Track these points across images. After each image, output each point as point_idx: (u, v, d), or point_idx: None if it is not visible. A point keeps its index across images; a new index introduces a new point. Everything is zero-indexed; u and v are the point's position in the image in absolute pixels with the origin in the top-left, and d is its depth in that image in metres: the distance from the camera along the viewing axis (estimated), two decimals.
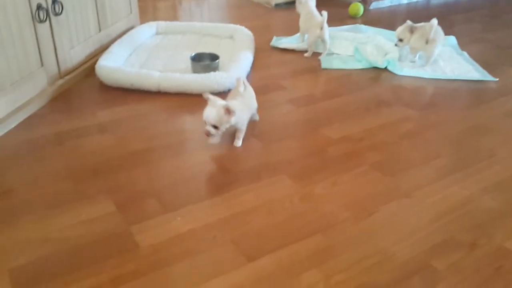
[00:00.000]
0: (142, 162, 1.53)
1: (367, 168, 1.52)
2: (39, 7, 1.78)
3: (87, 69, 2.15)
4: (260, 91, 2.05)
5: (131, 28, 2.57)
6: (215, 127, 1.51)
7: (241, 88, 1.64)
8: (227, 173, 1.48)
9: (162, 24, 2.68)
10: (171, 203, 1.34)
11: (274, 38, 2.65)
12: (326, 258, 1.16)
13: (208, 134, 1.52)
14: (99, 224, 1.25)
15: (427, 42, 2.26)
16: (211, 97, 1.52)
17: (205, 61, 2.18)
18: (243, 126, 1.61)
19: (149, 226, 1.25)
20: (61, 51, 1.97)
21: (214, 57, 2.18)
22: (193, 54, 2.18)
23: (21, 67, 1.74)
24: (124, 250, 1.16)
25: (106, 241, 1.19)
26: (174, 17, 3.20)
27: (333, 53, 2.49)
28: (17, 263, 1.11)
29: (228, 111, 1.49)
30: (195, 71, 2.11)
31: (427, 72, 2.28)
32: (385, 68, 2.31)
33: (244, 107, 1.61)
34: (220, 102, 1.51)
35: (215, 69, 2.11)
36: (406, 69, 2.28)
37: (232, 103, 1.54)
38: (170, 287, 1.07)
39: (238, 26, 2.63)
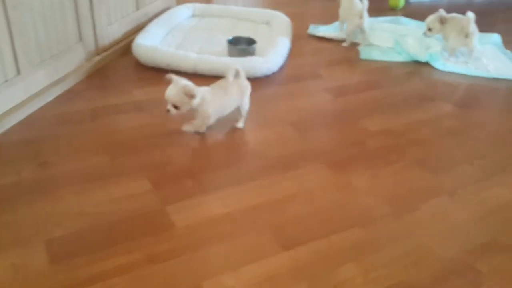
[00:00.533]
0: (178, 142, 1.51)
1: (409, 163, 1.47)
2: None
3: (123, 47, 2.14)
4: (296, 79, 2.01)
5: (168, 8, 2.54)
6: (176, 106, 1.45)
7: (230, 77, 1.54)
8: (263, 159, 1.45)
9: (199, 6, 2.64)
10: (207, 185, 1.32)
11: (312, 26, 2.59)
12: (365, 252, 1.13)
13: (168, 112, 1.47)
14: (135, 201, 1.24)
15: (466, 36, 2.18)
16: (175, 77, 1.47)
17: (242, 45, 2.14)
18: (208, 119, 1.51)
19: (185, 206, 1.23)
20: (99, 27, 1.96)
21: (251, 42, 2.15)
22: (230, 37, 2.14)
23: (60, 40, 1.74)
24: (160, 229, 1.15)
25: (141, 219, 1.18)
26: (209, 0, 3.17)
27: (372, 44, 2.42)
28: (54, 235, 1.11)
29: (189, 92, 1.43)
30: (231, 54, 2.08)
31: (469, 69, 2.19)
32: (426, 62, 2.23)
33: (216, 98, 1.50)
34: (183, 82, 1.45)
35: (251, 53, 2.07)
36: (448, 65, 2.20)
37: (201, 88, 1.48)
38: (205, 269, 1.05)
39: (275, 12, 2.58)
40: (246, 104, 1.60)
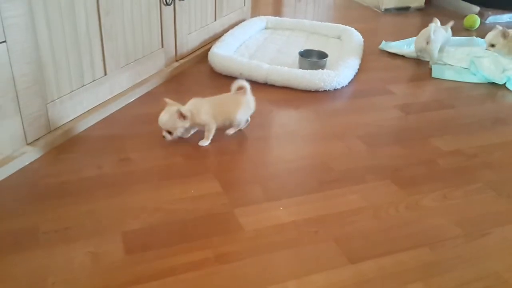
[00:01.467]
0: (248, 148, 1.56)
1: (481, 186, 1.43)
2: None
3: (200, 56, 2.23)
4: (366, 94, 2.01)
5: (242, 20, 2.63)
6: (169, 132, 1.50)
7: (233, 91, 1.59)
8: (330, 171, 1.47)
9: (272, 19, 2.71)
10: (274, 192, 1.35)
11: (383, 42, 2.58)
12: (433, 273, 1.11)
13: (164, 138, 1.51)
14: (206, 201, 1.29)
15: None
16: (168, 101, 1.51)
17: (313, 58, 2.17)
18: (208, 126, 1.54)
19: (253, 210, 1.27)
20: (180, 35, 2.07)
21: (322, 55, 2.17)
22: (302, 50, 2.18)
23: (145, 46, 1.85)
24: (229, 230, 1.19)
25: (212, 219, 1.23)
26: (278, 14, 3.23)
27: (445, 64, 2.37)
28: (130, 227, 1.18)
29: (181, 115, 1.46)
30: (302, 67, 2.11)
31: None
32: (503, 85, 2.15)
33: (211, 107, 1.53)
34: (174, 107, 1.48)
35: (322, 67, 2.09)
36: None
37: (194, 103, 1.52)
38: (271, 274, 1.08)
39: (347, 27, 2.59)
40: (238, 120, 1.59)
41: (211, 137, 1.55)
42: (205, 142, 1.55)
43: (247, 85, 1.59)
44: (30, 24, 1.31)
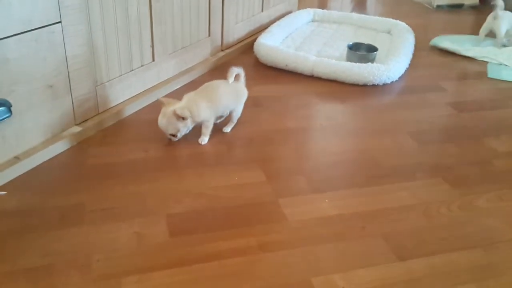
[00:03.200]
0: (293, 139, 1.53)
1: None
2: None
3: (245, 46, 2.22)
4: (417, 90, 1.94)
5: (289, 12, 2.60)
6: (173, 135, 1.42)
7: (230, 79, 1.48)
8: (378, 166, 1.42)
9: (319, 11, 2.66)
10: (319, 184, 1.32)
11: (437, 37, 2.48)
12: (486, 275, 1.04)
13: (171, 140, 1.44)
14: (250, 190, 1.27)
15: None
16: (163, 100, 1.42)
17: (362, 51, 2.11)
18: (207, 122, 1.45)
19: (297, 202, 1.24)
20: (227, 25, 2.06)
21: (372, 49, 2.11)
22: (350, 43, 2.13)
23: (192, 34, 1.85)
24: (273, 220, 1.17)
25: (255, 207, 1.21)
26: (325, 7, 3.17)
27: (501, 64, 2.26)
28: (175, 211, 1.18)
29: (179, 117, 1.37)
30: (350, 60, 2.06)
31: None
32: None
33: (208, 102, 1.44)
34: (170, 109, 1.37)
35: (372, 60, 2.03)
36: None
37: (186, 100, 1.42)
38: (315, 265, 1.04)
39: (398, 21, 2.51)
40: (238, 111, 1.54)
41: (209, 133, 1.47)
42: (205, 139, 1.47)
43: (242, 72, 1.52)
44: (84, 6, 1.33)
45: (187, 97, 1.44)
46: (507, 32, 2.36)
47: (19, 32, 1.18)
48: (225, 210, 1.19)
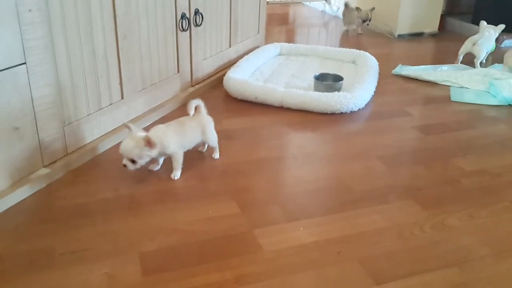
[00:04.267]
0: (265, 169, 1.54)
1: (508, 204, 1.38)
2: (183, 16, 1.91)
3: (215, 81, 2.25)
4: (383, 116, 1.99)
5: (257, 47, 2.66)
6: (133, 161, 1.36)
7: (191, 112, 1.49)
8: (350, 191, 1.43)
9: (286, 45, 2.73)
10: (293, 212, 1.31)
11: (399, 66, 2.57)
12: None
13: (126, 167, 1.38)
14: (224, 222, 1.26)
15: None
16: (132, 127, 1.39)
17: (328, 81, 2.16)
18: (176, 155, 1.44)
19: (272, 231, 1.23)
20: (196, 61, 2.09)
21: (337, 78, 2.16)
22: (317, 74, 2.18)
23: (161, 70, 1.87)
24: (248, 251, 1.15)
25: (230, 239, 1.19)
26: (291, 41, 3.26)
27: (462, 87, 2.35)
28: (148, 248, 1.15)
29: (149, 143, 1.35)
30: (317, 90, 2.10)
31: None
32: None
33: (172, 133, 1.43)
34: (140, 133, 1.37)
35: (338, 89, 2.08)
36: None
37: (156, 129, 1.42)
38: None
39: (362, 52, 2.60)
40: (212, 140, 1.56)
41: (180, 166, 1.46)
42: (177, 174, 1.45)
43: (201, 103, 1.53)
44: (50, 46, 1.33)
45: (156, 128, 1.43)
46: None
47: None
48: (199, 244, 1.17)
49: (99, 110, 1.58)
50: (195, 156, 1.59)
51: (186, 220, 1.26)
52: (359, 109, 2.01)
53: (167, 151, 1.42)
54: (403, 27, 3.29)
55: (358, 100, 1.98)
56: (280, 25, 3.73)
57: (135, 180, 1.44)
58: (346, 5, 3.50)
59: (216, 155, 1.58)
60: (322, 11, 4.20)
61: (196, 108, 1.51)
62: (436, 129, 1.88)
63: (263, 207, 1.34)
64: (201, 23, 2.04)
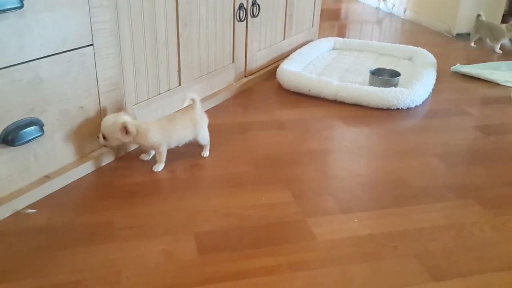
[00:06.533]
0: (318, 160, 1.52)
1: None
2: (240, 6, 1.92)
3: (267, 73, 2.25)
4: (441, 114, 1.93)
5: (310, 41, 2.64)
6: (104, 137, 1.36)
7: (185, 104, 1.44)
8: (407, 187, 1.39)
9: (339, 40, 2.70)
10: (347, 204, 1.30)
11: (458, 64, 2.48)
12: None
13: (98, 139, 1.38)
14: (278, 209, 1.26)
15: None
16: (123, 112, 1.39)
17: (385, 76, 2.12)
18: (157, 148, 1.41)
19: (326, 221, 1.22)
20: (250, 52, 2.10)
21: (394, 74, 2.12)
22: (372, 69, 2.14)
23: (217, 59, 1.89)
24: (302, 239, 1.15)
25: (284, 226, 1.19)
26: (344, 36, 3.22)
27: None
28: (203, 229, 1.17)
29: (125, 130, 1.33)
30: (372, 85, 2.06)
31: None
32: None
33: (160, 128, 1.40)
34: (124, 117, 1.36)
35: (395, 85, 2.03)
36: None
37: (146, 123, 1.40)
38: (348, 284, 1.02)
39: (419, 48, 2.53)
40: (203, 138, 1.50)
41: (163, 159, 1.43)
42: (159, 167, 1.43)
43: (198, 97, 1.48)
44: (115, 30, 1.37)
45: (146, 121, 1.43)
46: None
47: (52, 53, 1.22)
48: (253, 229, 1.18)
49: (158, 95, 1.62)
50: (250, 145, 1.60)
51: (240, 204, 1.27)
52: (416, 106, 1.96)
53: (147, 144, 1.40)
54: (462, 26, 3.17)
55: (415, 97, 1.93)
56: (332, 20, 3.68)
57: (190, 163, 1.47)
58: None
59: (206, 153, 1.52)
60: (376, 7, 4.11)
61: (192, 102, 1.46)
62: (497, 129, 1.80)
63: (317, 197, 1.33)
64: (257, 14, 2.05)
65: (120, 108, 1.45)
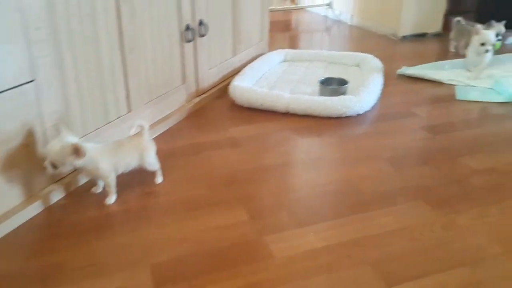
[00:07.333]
0: (273, 175, 1.54)
1: None
2: (187, 27, 1.93)
3: (220, 90, 2.26)
4: (390, 117, 1.99)
5: (261, 54, 2.67)
6: (54, 165, 1.27)
7: (132, 131, 1.41)
8: (360, 194, 1.43)
9: (290, 51, 2.75)
10: (303, 217, 1.32)
11: (403, 67, 2.57)
12: None
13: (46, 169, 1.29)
14: (234, 230, 1.26)
15: None
16: (63, 128, 1.30)
17: (333, 85, 2.17)
18: (107, 178, 1.37)
19: (283, 237, 1.24)
20: (201, 71, 2.11)
21: (342, 82, 2.17)
22: (321, 78, 2.19)
23: (167, 82, 1.89)
24: (259, 258, 1.16)
25: (241, 247, 1.20)
26: (295, 47, 3.27)
27: (467, 85, 2.34)
28: (159, 260, 1.16)
29: (77, 151, 1.26)
30: (322, 94, 2.11)
31: None
32: None
33: (109, 155, 1.37)
34: (71, 138, 1.29)
35: (343, 93, 2.09)
36: None
37: (92, 145, 1.34)
38: None
39: (365, 54, 2.61)
40: (150, 164, 1.47)
41: (114, 190, 1.40)
42: (111, 199, 1.39)
43: (146, 125, 1.44)
44: (58, 63, 1.35)
45: (89, 145, 1.35)
46: None
47: None
48: (209, 253, 1.18)
49: (107, 124, 1.60)
50: (205, 166, 1.60)
51: (196, 229, 1.27)
52: (365, 112, 2.01)
53: (96, 171, 1.35)
54: (406, 28, 3.30)
55: (363, 103, 1.98)
56: (284, 32, 3.75)
57: (143, 191, 1.45)
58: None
59: (159, 179, 1.49)
60: (324, 16, 4.21)
61: (141, 128, 1.43)
62: (443, 128, 1.88)
63: (273, 213, 1.34)
64: (205, 34, 2.06)
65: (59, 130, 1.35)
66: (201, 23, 2.02)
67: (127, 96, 1.67)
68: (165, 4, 1.80)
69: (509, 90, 2.19)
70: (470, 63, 2.48)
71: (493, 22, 2.69)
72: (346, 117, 1.98)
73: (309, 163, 1.62)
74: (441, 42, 3.25)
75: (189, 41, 1.97)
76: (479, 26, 2.42)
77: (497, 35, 2.64)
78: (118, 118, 1.65)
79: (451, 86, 2.35)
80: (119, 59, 1.60)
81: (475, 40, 2.39)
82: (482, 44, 2.35)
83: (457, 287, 1.06)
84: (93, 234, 1.26)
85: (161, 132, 1.85)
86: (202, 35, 2.05)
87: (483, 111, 2.05)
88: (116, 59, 1.59)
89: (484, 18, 2.79)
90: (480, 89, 2.29)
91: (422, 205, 1.37)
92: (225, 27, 2.28)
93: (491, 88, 2.28)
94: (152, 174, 1.51)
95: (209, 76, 2.20)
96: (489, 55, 2.39)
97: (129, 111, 1.70)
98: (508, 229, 1.26)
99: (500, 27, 2.64)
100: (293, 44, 3.37)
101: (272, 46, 2.98)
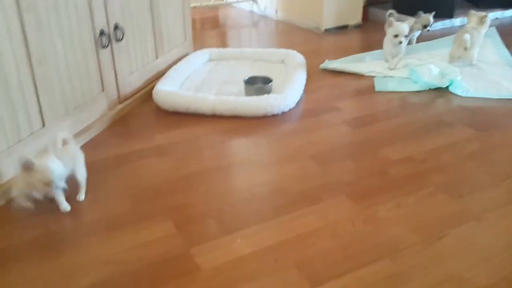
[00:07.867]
0: (200, 183, 1.53)
1: (433, 190, 1.45)
2: (102, 33, 1.85)
3: (144, 95, 2.20)
4: (314, 113, 2.03)
5: (186, 55, 2.63)
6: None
7: (58, 145, 1.39)
8: (285, 195, 1.45)
9: (215, 51, 2.72)
10: (230, 224, 1.32)
11: (326, 61, 2.63)
12: (396, 284, 1.10)
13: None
14: (159, 246, 1.24)
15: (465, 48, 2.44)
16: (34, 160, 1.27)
17: (258, 84, 2.18)
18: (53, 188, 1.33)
19: (210, 247, 1.23)
20: (121, 77, 2.04)
21: (267, 80, 2.19)
22: (246, 78, 2.19)
23: (84, 91, 1.81)
24: (186, 273, 1.15)
25: (167, 263, 1.18)
26: (224, 44, 3.26)
27: (386, 76, 2.44)
28: (81, 285, 1.12)
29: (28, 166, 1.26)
30: (248, 94, 2.12)
31: (493, 93, 2.18)
32: (445, 89, 2.23)
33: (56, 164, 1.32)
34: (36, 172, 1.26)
35: (268, 91, 2.10)
36: (472, 91, 2.19)
37: (44, 158, 1.31)
38: None
39: (289, 51, 2.64)
40: (80, 172, 1.44)
41: (63, 198, 1.38)
42: (66, 207, 1.38)
43: (70, 136, 1.44)
44: None
45: (39, 156, 1.30)
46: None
47: None
48: (134, 273, 1.15)
49: (20, 141, 1.51)
50: (129, 179, 1.56)
51: (119, 249, 1.23)
52: (290, 109, 2.04)
53: (47, 181, 1.30)
54: (328, 21, 3.37)
55: (288, 101, 2.01)
56: (212, 29, 3.71)
57: (64, 212, 1.38)
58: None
59: (81, 197, 1.43)
60: (250, 11, 4.22)
61: (64, 141, 1.41)
62: (363, 121, 1.95)
63: (200, 223, 1.33)
64: (122, 38, 1.99)
65: None
66: (116, 27, 1.95)
67: (40, 111, 1.58)
68: (75, 10, 1.72)
69: (424, 79, 2.30)
70: (387, 54, 2.58)
71: (421, 13, 2.79)
72: (272, 115, 1.99)
73: (237, 166, 1.62)
74: (362, 33, 3.36)
75: (104, 46, 1.89)
76: (393, 19, 2.53)
77: (425, 26, 2.77)
78: (31, 134, 1.56)
79: (371, 78, 2.43)
80: (28, 73, 1.51)
81: (389, 33, 2.50)
82: (396, 36, 2.47)
83: (378, 281, 1.11)
84: (11, 264, 1.19)
85: (82, 144, 1.77)
86: (119, 39, 1.98)
87: (400, 101, 2.15)
88: (24, 74, 1.50)
89: (402, 9, 2.91)
90: (398, 79, 2.39)
91: (345, 201, 1.41)
92: (144, 29, 2.22)
93: (408, 78, 2.39)
94: (74, 192, 1.44)
95: (131, 81, 2.13)
96: (403, 46, 2.50)
97: (43, 126, 1.61)
98: (424, 218, 1.33)
99: (428, 17, 2.75)
100: (221, 41, 3.34)
101: (202, 44, 2.94)
